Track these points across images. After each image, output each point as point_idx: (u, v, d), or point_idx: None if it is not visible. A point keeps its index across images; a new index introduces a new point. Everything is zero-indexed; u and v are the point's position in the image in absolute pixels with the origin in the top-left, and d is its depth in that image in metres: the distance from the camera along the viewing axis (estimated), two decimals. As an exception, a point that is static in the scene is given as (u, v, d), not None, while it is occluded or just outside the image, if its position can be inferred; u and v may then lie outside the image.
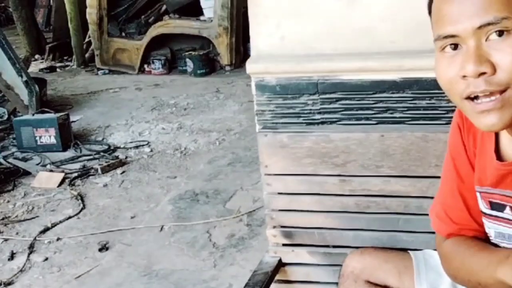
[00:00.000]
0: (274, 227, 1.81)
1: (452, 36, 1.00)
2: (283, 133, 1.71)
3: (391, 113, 1.64)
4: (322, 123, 1.68)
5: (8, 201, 3.96)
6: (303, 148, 1.70)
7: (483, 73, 0.97)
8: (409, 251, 1.58)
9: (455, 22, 0.98)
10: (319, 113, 1.68)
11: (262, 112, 1.72)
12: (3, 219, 3.69)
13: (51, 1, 10.21)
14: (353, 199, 1.71)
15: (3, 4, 12.77)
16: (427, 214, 1.63)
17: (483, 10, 0.96)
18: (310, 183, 1.72)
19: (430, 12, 1.07)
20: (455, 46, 1.01)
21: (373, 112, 1.65)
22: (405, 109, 1.62)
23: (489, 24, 0.96)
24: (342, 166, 1.68)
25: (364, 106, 1.65)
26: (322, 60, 1.64)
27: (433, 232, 1.61)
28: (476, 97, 0.99)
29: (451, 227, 1.27)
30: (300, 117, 1.69)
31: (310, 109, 1.68)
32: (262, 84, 1.70)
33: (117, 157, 4.63)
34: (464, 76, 0.99)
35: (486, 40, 0.97)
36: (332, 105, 1.67)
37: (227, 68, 7.59)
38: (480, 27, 0.96)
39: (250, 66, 1.70)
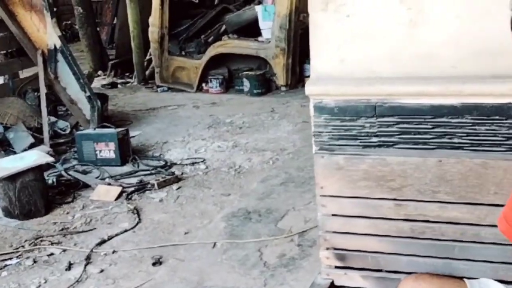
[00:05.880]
0: (328, 249, 1.81)
1: None
2: (340, 155, 1.71)
3: (450, 138, 1.62)
4: (379, 146, 1.68)
5: (68, 213, 4.09)
6: (359, 170, 1.70)
7: None
8: (464, 279, 1.56)
9: None
10: (376, 136, 1.68)
11: (319, 134, 1.73)
12: (62, 229, 3.81)
13: (115, 19, 10.55)
14: (408, 224, 1.69)
15: (69, 22, 13.27)
16: (484, 243, 1.61)
17: None
18: (365, 206, 1.72)
19: None
20: None
21: (431, 136, 1.64)
22: (464, 134, 1.61)
23: None
24: (398, 190, 1.68)
25: (422, 130, 1.64)
26: (381, 83, 1.64)
27: (490, 261, 1.59)
28: None
29: None
30: (357, 139, 1.70)
31: (367, 132, 1.69)
32: (321, 106, 1.71)
33: (173, 173, 4.71)
34: None
35: None
36: (389, 129, 1.67)
37: (283, 88, 7.63)
38: None
39: (309, 88, 1.72)
